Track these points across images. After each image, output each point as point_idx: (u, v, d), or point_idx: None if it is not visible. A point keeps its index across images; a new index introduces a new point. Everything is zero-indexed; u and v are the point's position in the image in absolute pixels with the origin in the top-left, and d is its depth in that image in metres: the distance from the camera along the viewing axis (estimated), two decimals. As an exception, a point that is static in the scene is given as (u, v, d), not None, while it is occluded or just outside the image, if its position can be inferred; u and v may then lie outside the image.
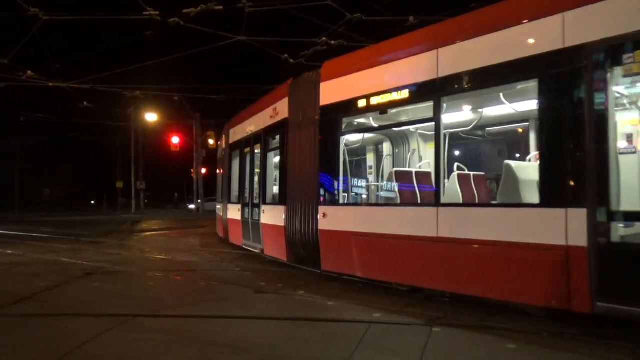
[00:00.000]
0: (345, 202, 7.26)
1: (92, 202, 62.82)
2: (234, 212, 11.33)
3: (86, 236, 16.93)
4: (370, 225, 6.34)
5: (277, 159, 9.46)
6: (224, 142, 13.50)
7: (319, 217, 7.09)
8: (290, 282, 7.25)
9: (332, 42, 10.71)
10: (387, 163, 8.77)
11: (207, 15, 9.80)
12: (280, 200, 8.41)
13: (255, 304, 6.08)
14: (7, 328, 4.99)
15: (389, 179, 6.96)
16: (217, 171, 16.19)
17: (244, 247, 10.54)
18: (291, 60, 11.62)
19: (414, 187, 6.85)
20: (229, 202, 12.14)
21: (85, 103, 18.40)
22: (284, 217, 8.02)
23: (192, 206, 42.04)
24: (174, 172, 51.49)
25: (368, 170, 9.64)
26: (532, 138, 6.90)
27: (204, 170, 35.54)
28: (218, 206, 14.95)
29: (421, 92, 5.78)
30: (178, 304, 6.03)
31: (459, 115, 6.99)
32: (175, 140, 33.52)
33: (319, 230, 7.08)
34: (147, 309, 5.67)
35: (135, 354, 4.14)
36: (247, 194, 10.46)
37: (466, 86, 5.28)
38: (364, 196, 7.94)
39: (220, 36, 10.77)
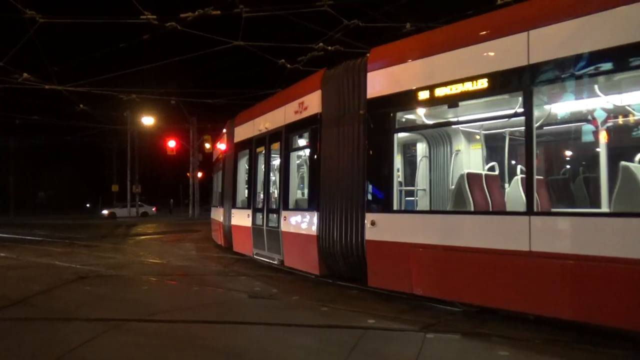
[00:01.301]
0: (402, 208, 6.51)
1: (87, 205, 62.58)
2: (241, 218, 10.27)
3: (81, 239, 16.87)
4: (438, 236, 5.46)
5: (303, 160, 8.81)
6: (225, 141, 12.41)
7: (365, 225, 6.29)
8: (284, 287, 7.24)
9: (329, 47, 10.75)
10: (423, 166, 7.78)
11: (205, 19, 9.84)
12: (311, 205, 7.54)
13: (249, 309, 6.07)
14: (-2, 332, 4.96)
15: (460, 183, 5.89)
16: (213, 174, 15.93)
17: (255, 257, 9.45)
18: (288, 66, 11.66)
19: (486, 193, 5.88)
20: (234, 206, 10.99)
21: (81, 106, 18.33)
22: (316, 224, 7.20)
23: (105, 211, 38.81)
24: (170, 176, 51.44)
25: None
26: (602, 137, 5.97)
27: (200, 174, 35.54)
28: (216, 211, 14.11)
29: (505, 81, 4.94)
30: (172, 309, 6.00)
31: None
32: (171, 144, 33.46)
33: (366, 240, 6.26)
34: (141, 313, 5.65)
35: (128, 359, 4.13)
36: (260, 198, 9.54)
37: (566, 74, 4.49)
38: (421, 202, 7.19)
39: (217, 41, 10.80)
